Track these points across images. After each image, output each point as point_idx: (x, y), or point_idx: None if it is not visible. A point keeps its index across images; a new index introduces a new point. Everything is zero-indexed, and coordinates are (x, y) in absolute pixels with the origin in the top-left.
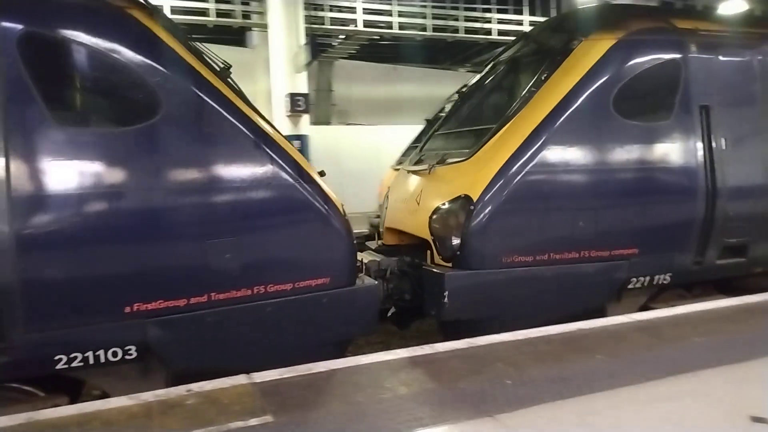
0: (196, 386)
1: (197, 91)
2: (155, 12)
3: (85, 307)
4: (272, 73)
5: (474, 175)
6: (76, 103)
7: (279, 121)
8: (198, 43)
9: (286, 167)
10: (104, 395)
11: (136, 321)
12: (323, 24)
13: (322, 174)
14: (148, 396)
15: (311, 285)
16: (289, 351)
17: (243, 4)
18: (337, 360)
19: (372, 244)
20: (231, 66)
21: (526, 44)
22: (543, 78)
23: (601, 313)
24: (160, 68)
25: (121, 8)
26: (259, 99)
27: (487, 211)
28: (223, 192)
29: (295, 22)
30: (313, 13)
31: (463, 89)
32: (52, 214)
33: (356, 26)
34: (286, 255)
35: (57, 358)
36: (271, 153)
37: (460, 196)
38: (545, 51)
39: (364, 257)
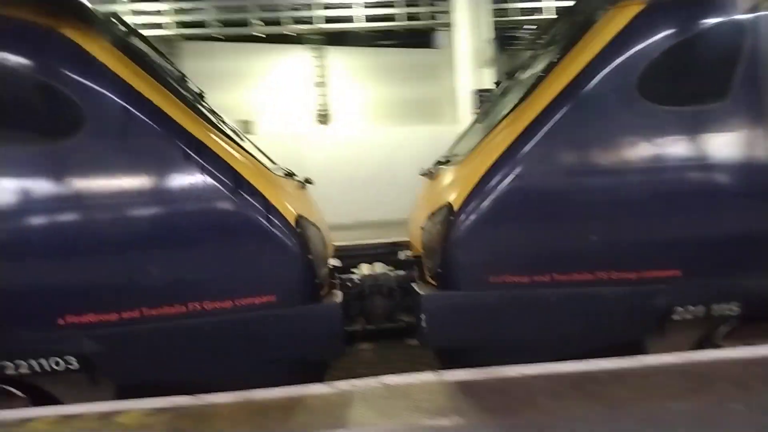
0: (389, 379)
1: (124, 104)
2: (94, 26)
3: (20, 318)
4: (458, 71)
5: (461, 179)
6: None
7: (466, 118)
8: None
9: (221, 178)
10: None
11: (70, 333)
12: (508, 16)
13: (308, 182)
14: (346, 385)
15: (254, 303)
16: (239, 370)
17: (429, 5)
18: (531, 366)
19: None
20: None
21: (563, 20)
22: (555, 60)
23: (639, 350)
24: (85, 84)
25: (51, 27)
26: (445, 98)
27: (470, 221)
28: (147, 205)
29: (480, 17)
30: (500, 5)
31: (510, 74)
32: None
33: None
34: (221, 271)
35: (2, 364)
36: (202, 164)
37: (444, 205)
38: (570, 27)
39: (368, 269)
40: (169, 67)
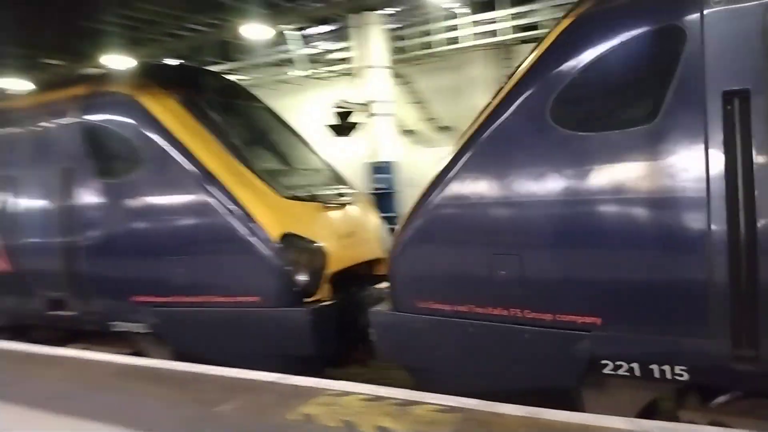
0: None
1: (166, 150)
2: (166, 94)
3: (112, 294)
4: None
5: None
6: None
7: None
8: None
9: (226, 207)
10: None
11: (141, 308)
12: None
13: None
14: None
15: (243, 301)
16: (234, 353)
17: None
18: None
19: None
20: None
21: None
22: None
23: (574, 402)
24: (144, 135)
25: (128, 96)
26: None
27: (401, 245)
28: (176, 223)
29: None
30: None
31: None
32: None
33: None
34: (224, 274)
35: (113, 323)
36: (215, 196)
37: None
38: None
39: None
40: (246, 106)
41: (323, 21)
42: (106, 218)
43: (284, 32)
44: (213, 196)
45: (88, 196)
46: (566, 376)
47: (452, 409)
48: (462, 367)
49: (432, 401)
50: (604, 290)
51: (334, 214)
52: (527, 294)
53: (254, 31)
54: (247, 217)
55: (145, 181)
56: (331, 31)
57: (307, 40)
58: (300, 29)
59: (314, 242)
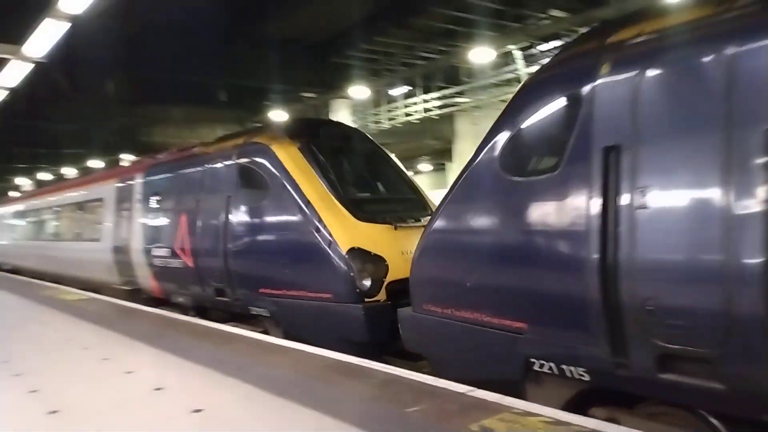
0: None
1: (284, 187)
2: (289, 143)
3: (249, 287)
4: None
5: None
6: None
7: None
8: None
9: (317, 229)
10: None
11: (265, 297)
12: None
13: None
14: None
15: (321, 297)
16: (317, 335)
17: None
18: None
19: None
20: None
21: None
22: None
23: (519, 394)
24: (268, 172)
25: (265, 145)
26: None
27: (414, 262)
28: (283, 239)
29: None
30: None
31: None
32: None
33: None
34: (307, 275)
35: (249, 307)
36: (311, 222)
37: None
38: None
39: None
40: (355, 147)
41: (550, 38)
42: (247, 232)
43: (512, 52)
44: (308, 219)
45: (239, 216)
46: (513, 371)
47: None
48: (449, 358)
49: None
50: (527, 301)
51: (401, 234)
52: (484, 301)
53: (481, 53)
54: (327, 235)
55: (270, 207)
56: (559, 47)
57: (534, 58)
58: (525, 48)
59: (377, 255)
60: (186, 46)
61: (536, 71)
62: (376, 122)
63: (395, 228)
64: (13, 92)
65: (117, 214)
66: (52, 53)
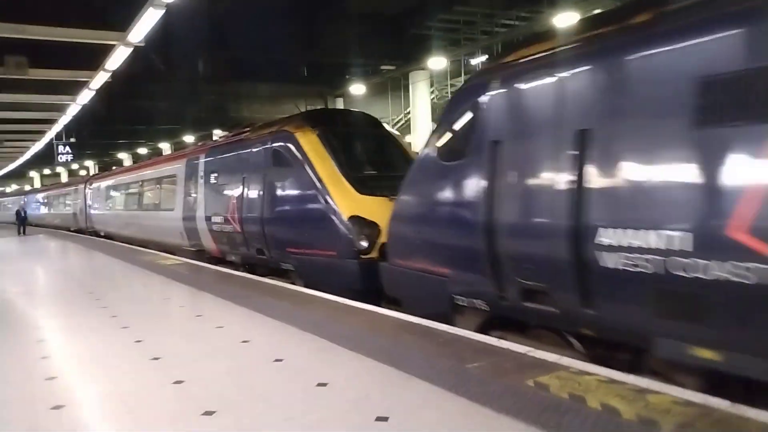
0: None
1: (302, 166)
2: (309, 130)
3: (278, 247)
4: None
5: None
6: (278, 170)
7: None
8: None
9: (325, 201)
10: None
11: (290, 255)
12: None
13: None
14: None
15: (328, 254)
16: (326, 285)
17: None
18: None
19: None
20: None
21: None
22: None
23: (451, 323)
24: (292, 155)
25: (291, 132)
26: None
27: (388, 227)
28: (302, 208)
29: None
30: None
31: None
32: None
33: None
34: (318, 237)
35: (280, 263)
36: (321, 195)
37: None
38: None
39: None
40: (366, 132)
41: None
42: (277, 203)
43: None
44: (319, 192)
45: (271, 190)
46: (445, 305)
47: (689, 404)
48: (410, 298)
49: (671, 393)
50: (448, 254)
51: (384, 204)
52: (425, 255)
53: (567, 18)
54: (333, 205)
55: (293, 183)
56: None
57: None
58: None
59: (372, 221)
60: (270, 25)
61: (465, 81)
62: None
63: (390, 200)
64: (114, 74)
65: (186, 188)
66: (149, 37)
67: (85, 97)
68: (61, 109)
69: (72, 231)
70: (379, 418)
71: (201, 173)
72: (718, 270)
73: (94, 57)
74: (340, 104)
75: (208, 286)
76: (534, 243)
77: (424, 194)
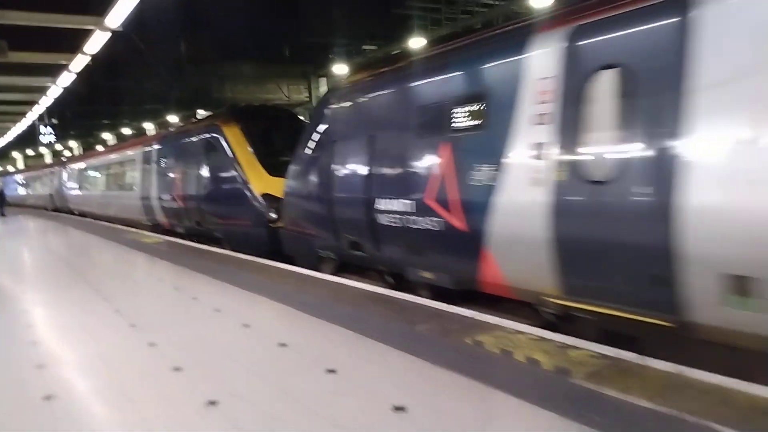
0: None
1: (225, 153)
2: (233, 122)
3: (213, 220)
4: None
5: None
6: (208, 156)
7: None
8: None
9: (244, 182)
10: None
11: (219, 225)
12: None
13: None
14: None
15: (245, 223)
16: (246, 248)
17: None
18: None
19: None
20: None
21: None
22: None
23: (319, 270)
24: (219, 144)
25: (219, 125)
26: None
27: (283, 200)
28: (226, 187)
29: None
30: None
31: None
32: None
33: None
34: (238, 210)
35: (214, 233)
36: (239, 177)
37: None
38: None
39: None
40: (283, 124)
41: None
42: (209, 183)
43: None
44: (238, 173)
45: (205, 173)
46: (314, 258)
47: (603, 356)
48: (297, 255)
49: (588, 348)
50: (312, 219)
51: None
52: (301, 221)
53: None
54: (249, 185)
55: (220, 167)
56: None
57: None
58: None
59: (280, 198)
60: (253, 5)
61: (320, 98)
62: None
63: None
64: (96, 56)
65: (143, 171)
66: (128, 21)
67: (66, 79)
68: (41, 90)
69: (50, 210)
70: (329, 371)
71: (154, 159)
72: (423, 223)
73: (74, 40)
74: (323, 84)
75: (186, 261)
76: (351, 210)
77: (299, 177)
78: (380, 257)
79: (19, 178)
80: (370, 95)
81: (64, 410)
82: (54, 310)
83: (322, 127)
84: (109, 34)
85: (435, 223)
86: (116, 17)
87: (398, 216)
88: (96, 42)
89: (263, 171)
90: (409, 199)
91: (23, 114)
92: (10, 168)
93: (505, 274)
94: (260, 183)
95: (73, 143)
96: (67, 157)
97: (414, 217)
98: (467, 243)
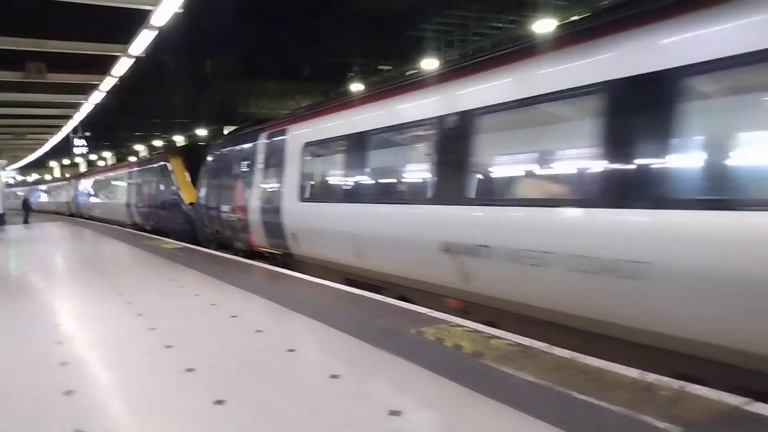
0: None
1: (168, 178)
2: (177, 155)
3: (162, 221)
4: None
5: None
6: (156, 181)
7: None
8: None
9: (177, 194)
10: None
11: (165, 224)
12: None
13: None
14: None
15: (180, 222)
16: (181, 238)
17: None
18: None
19: None
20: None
21: None
22: None
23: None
24: (168, 171)
25: (168, 156)
26: None
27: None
28: (169, 198)
29: None
30: None
31: None
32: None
33: None
34: (173, 214)
35: (167, 231)
36: (177, 191)
37: None
38: None
39: None
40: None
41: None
42: (161, 195)
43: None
44: (177, 191)
45: (158, 188)
46: (214, 242)
47: (518, 345)
48: (203, 241)
49: (508, 338)
50: (204, 218)
51: None
52: (203, 220)
53: (544, 24)
54: (182, 197)
55: (163, 187)
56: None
57: None
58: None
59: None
60: (277, 26)
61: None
62: None
63: None
64: (127, 75)
65: (127, 186)
66: (155, 42)
67: (97, 97)
68: (75, 107)
69: (66, 215)
70: (289, 350)
71: (131, 178)
72: (235, 219)
73: (103, 64)
74: None
75: (195, 264)
76: (214, 212)
77: (199, 193)
78: (224, 237)
79: (42, 188)
80: (220, 151)
81: (75, 375)
82: (73, 300)
83: (204, 166)
84: (133, 60)
85: (235, 217)
86: (138, 46)
87: (225, 215)
88: (122, 66)
89: (192, 188)
90: (230, 207)
91: (59, 127)
92: (47, 176)
93: (258, 241)
94: (189, 195)
95: (107, 153)
96: (78, 174)
97: (232, 215)
98: (247, 228)
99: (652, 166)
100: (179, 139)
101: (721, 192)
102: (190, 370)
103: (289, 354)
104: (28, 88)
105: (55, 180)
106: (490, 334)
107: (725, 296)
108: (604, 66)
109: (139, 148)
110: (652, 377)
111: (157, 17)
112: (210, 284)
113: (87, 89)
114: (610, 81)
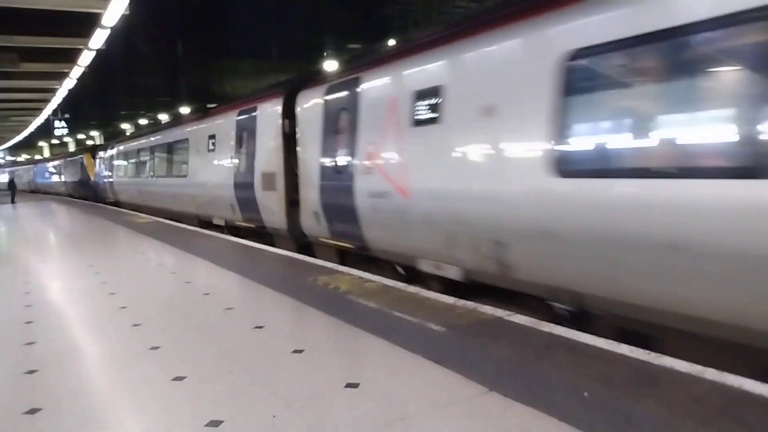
0: None
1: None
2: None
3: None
4: None
5: None
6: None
7: None
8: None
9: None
10: None
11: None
12: None
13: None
14: None
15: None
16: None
17: None
18: None
19: None
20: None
21: None
22: None
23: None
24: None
25: (87, 152)
26: None
27: None
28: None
29: None
30: None
31: None
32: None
33: None
34: (88, 186)
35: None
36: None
37: None
38: None
39: None
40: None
41: None
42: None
43: None
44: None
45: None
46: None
47: (384, 287)
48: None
49: (376, 280)
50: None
51: None
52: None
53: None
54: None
55: (83, 170)
56: None
57: None
58: None
59: None
60: (248, 7)
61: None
62: None
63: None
64: (107, 51)
65: (80, 168)
66: (125, 25)
67: (70, 83)
68: (51, 91)
69: (27, 192)
70: (227, 309)
71: (65, 166)
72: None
73: (70, 54)
74: None
75: (164, 237)
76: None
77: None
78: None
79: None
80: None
81: (37, 312)
82: (46, 264)
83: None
84: (94, 52)
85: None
86: (96, 42)
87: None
88: (86, 57)
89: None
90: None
91: (40, 110)
92: (38, 156)
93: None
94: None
95: (94, 132)
96: (35, 160)
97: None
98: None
99: None
100: (163, 117)
101: None
102: (136, 325)
103: (228, 312)
104: (4, 76)
105: (23, 163)
106: (366, 279)
107: None
108: None
109: (126, 126)
110: (459, 302)
111: (107, 18)
112: (170, 253)
113: (59, 76)
114: None
